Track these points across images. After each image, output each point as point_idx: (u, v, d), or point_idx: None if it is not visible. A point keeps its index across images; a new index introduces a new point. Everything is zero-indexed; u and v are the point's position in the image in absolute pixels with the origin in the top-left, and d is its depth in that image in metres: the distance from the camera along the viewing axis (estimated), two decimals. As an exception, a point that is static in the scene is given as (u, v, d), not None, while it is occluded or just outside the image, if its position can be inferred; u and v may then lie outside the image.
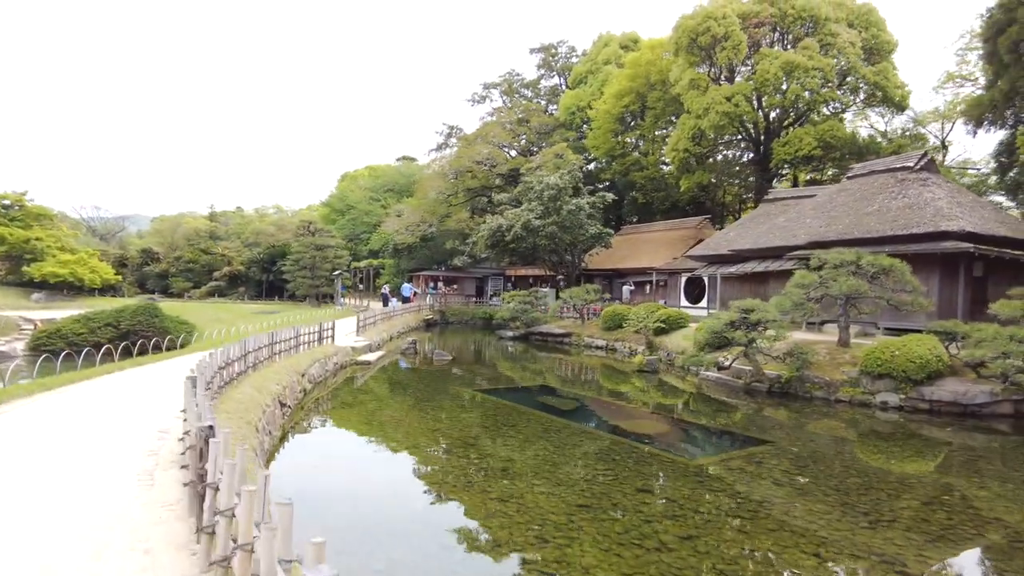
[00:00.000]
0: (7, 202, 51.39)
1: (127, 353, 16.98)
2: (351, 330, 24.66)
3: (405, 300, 40.61)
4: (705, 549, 6.61)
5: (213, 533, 3.64)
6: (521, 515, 7.33)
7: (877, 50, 34.19)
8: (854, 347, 16.97)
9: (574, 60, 56.18)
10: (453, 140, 55.36)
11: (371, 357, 21.00)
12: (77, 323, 25.32)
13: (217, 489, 3.60)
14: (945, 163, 37.99)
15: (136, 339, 23.84)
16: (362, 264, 55.40)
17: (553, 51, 57.44)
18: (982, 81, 34.95)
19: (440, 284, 49.29)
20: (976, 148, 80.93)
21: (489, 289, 51.94)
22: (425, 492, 8.42)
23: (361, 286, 52.62)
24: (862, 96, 36.43)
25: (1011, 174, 29.06)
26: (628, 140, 46.57)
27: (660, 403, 16.37)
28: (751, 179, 42.71)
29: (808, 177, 40.57)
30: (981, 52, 29.89)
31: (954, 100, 38.09)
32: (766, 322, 16.40)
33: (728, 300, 27.50)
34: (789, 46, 34.58)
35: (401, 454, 10.50)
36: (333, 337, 20.45)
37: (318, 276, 44.31)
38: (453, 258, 45.31)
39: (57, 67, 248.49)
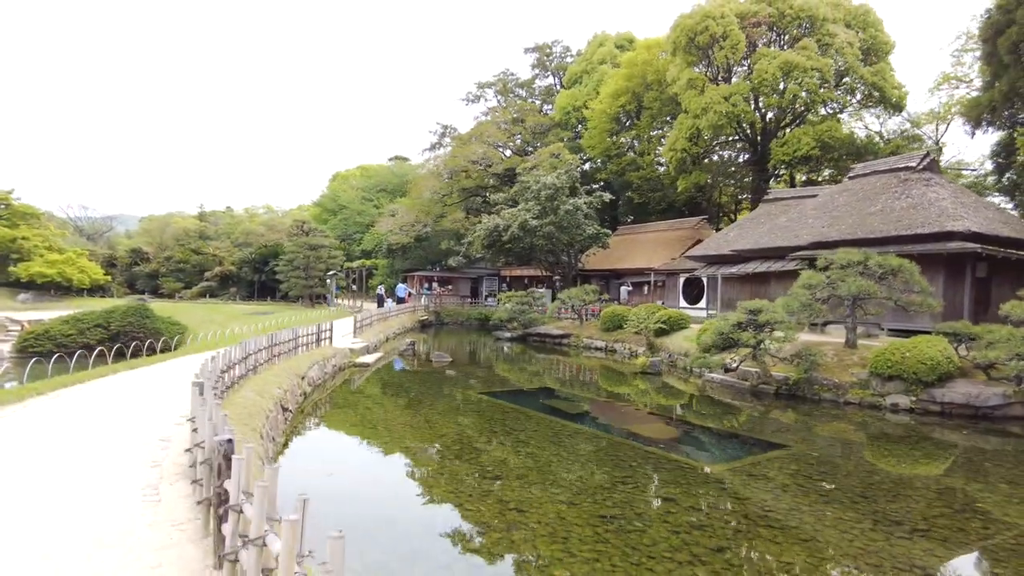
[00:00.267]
0: (-7, 200, 50.49)
1: (120, 355, 16.49)
2: (348, 331, 24.23)
3: (400, 301, 40.17)
4: (739, 562, 6.32)
5: (236, 561, 3.28)
6: (543, 527, 7.00)
7: (875, 51, 34.17)
8: (861, 348, 16.78)
9: (569, 60, 55.92)
10: (447, 140, 54.93)
11: (369, 359, 20.59)
12: (66, 324, 24.76)
13: (241, 512, 3.24)
14: (941, 164, 38.03)
15: (127, 340, 23.32)
16: (355, 264, 54.85)
17: (548, 51, 57.13)
18: (977, 83, 35.05)
19: (435, 285, 48.89)
20: (969, 150, 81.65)
21: (484, 290, 51.59)
22: (441, 504, 8.02)
23: (354, 287, 52.08)
24: (859, 97, 36.41)
25: (1008, 175, 29.09)
26: (624, 140, 46.36)
27: (668, 406, 16.09)
28: (747, 180, 42.63)
29: (804, 178, 40.52)
30: (979, 53, 29.92)
31: (948, 102, 38.18)
32: (774, 323, 16.17)
33: (728, 301, 27.37)
34: (786, 46, 34.49)
35: (410, 462, 10.11)
36: (331, 339, 20.03)
37: (312, 276, 43.75)
38: (448, 258, 44.90)
39: (42, 64, 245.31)
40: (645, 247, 38.59)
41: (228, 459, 3.65)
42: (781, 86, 33.47)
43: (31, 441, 7.17)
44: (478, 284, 52.23)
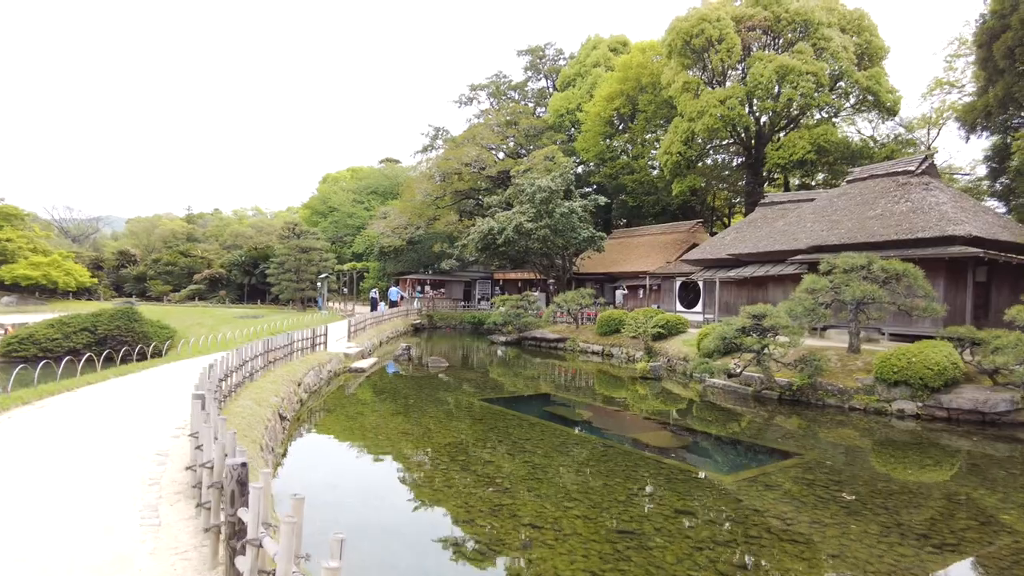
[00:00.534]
0: (-25, 202, 49.55)
1: (108, 361, 16.01)
2: (342, 336, 23.81)
3: (393, 304, 39.74)
4: (768, 581, 6.04)
5: (255, 600, 2.95)
6: (561, 544, 6.69)
7: (869, 55, 34.25)
8: (864, 353, 16.63)
9: (561, 63, 55.80)
10: (439, 142, 54.59)
11: (364, 364, 20.19)
12: (51, 328, 24.17)
13: (260, 546, 2.91)
14: (933, 168, 38.18)
15: (115, 345, 22.77)
16: (345, 268, 54.34)
17: (540, 53, 56.97)
18: (969, 88, 35.24)
19: (427, 288, 48.47)
20: (960, 155, 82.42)
21: (477, 293, 51.26)
22: (452, 520, 7.59)
23: (345, 290, 51.55)
24: (852, 101, 36.49)
25: (1003, 179, 29.20)
26: (617, 144, 46.24)
27: (672, 412, 15.83)
28: (741, 183, 42.62)
29: (798, 182, 40.57)
30: (973, 58, 30.07)
31: (941, 107, 38.38)
32: (779, 328, 15.97)
33: (726, 305, 27.23)
34: (781, 50, 34.48)
35: (415, 475, 9.74)
36: (326, 344, 19.62)
37: (303, 279, 43.20)
38: (441, 261, 44.52)
39: (27, 63, 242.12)
40: (640, 250, 38.42)
41: (242, 485, 3.32)
42: (776, 90, 33.47)
43: (17, 455, 6.76)
44: (471, 287, 51.88)
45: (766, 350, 16.15)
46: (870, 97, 34.28)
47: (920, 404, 14.19)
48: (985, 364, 14.33)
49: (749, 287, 26.05)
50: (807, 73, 31.32)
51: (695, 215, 43.08)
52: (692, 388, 18.57)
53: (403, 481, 9.35)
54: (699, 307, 30.59)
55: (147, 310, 30.30)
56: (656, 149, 44.79)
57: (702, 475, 9.76)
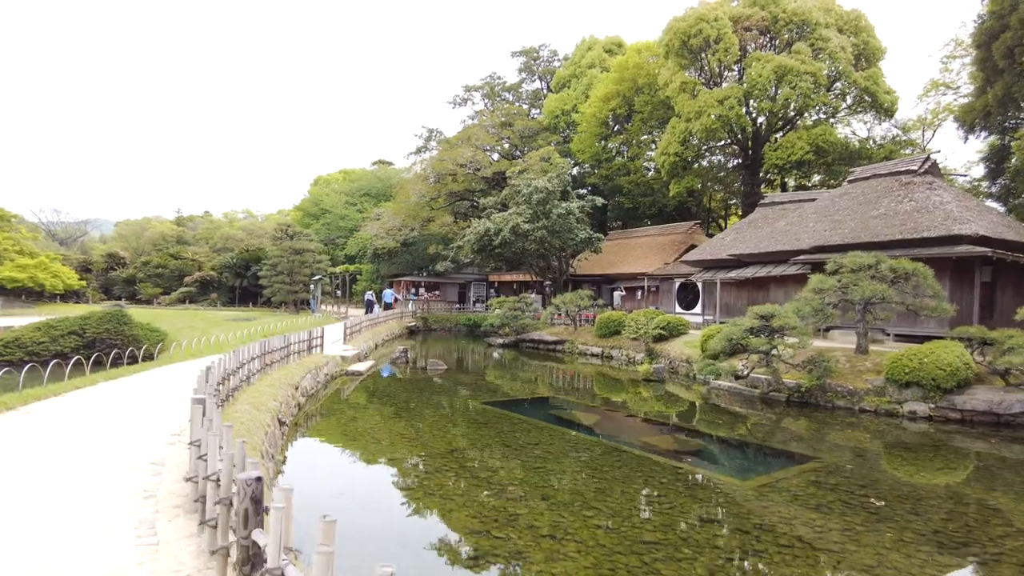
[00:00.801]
0: (-41, 203, 48.63)
1: (98, 365, 15.47)
2: (337, 338, 23.33)
3: (387, 307, 39.24)
4: (808, 595, 5.67)
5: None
6: (586, 558, 6.29)
7: (866, 56, 34.21)
8: (872, 354, 16.37)
9: (556, 64, 55.55)
10: (433, 143, 54.15)
11: (362, 367, 19.72)
12: (37, 331, 23.56)
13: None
14: (929, 169, 38.15)
15: (104, 348, 22.17)
16: (338, 270, 53.70)
17: (535, 54, 56.71)
18: (964, 89, 35.29)
19: (421, 290, 47.99)
20: (955, 156, 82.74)
21: (472, 295, 50.83)
22: (468, 532, 7.05)
23: (338, 292, 50.94)
24: (849, 101, 36.43)
25: (1002, 180, 29.16)
26: (613, 145, 46.00)
27: (680, 415, 15.49)
28: (737, 184, 42.49)
29: (794, 183, 40.46)
30: (972, 58, 30.05)
31: (936, 108, 38.42)
32: (787, 328, 15.68)
33: (726, 306, 26.97)
34: (777, 51, 34.36)
35: (423, 483, 9.27)
36: (322, 346, 19.15)
37: (297, 282, 42.56)
38: (435, 263, 44.06)
39: (12, 64, 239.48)
40: (637, 252, 38.15)
41: (257, 502, 2.91)
42: (774, 90, 33.34)
43: (1, 466, 6.28)
44: (466, 290, 51.45)
45: (775, 351, 15.85)
46: (867, 98, 34.22)
47: (932, 406, 13.92)
48: (997, 365, 14.08)
49: (750, 288, 25.80)
50: (806, 73, 31.21)
51: (691, 216, 42.90)
52: (696, 390, 18.25)
53: (411, 490, 8.90)
54: (698, 308, 30.34)
55: (137, 313, 29.63)
56: (652, 151, 44.63)
57: (720, 480, 9.40)
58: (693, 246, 33.69)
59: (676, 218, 42.88)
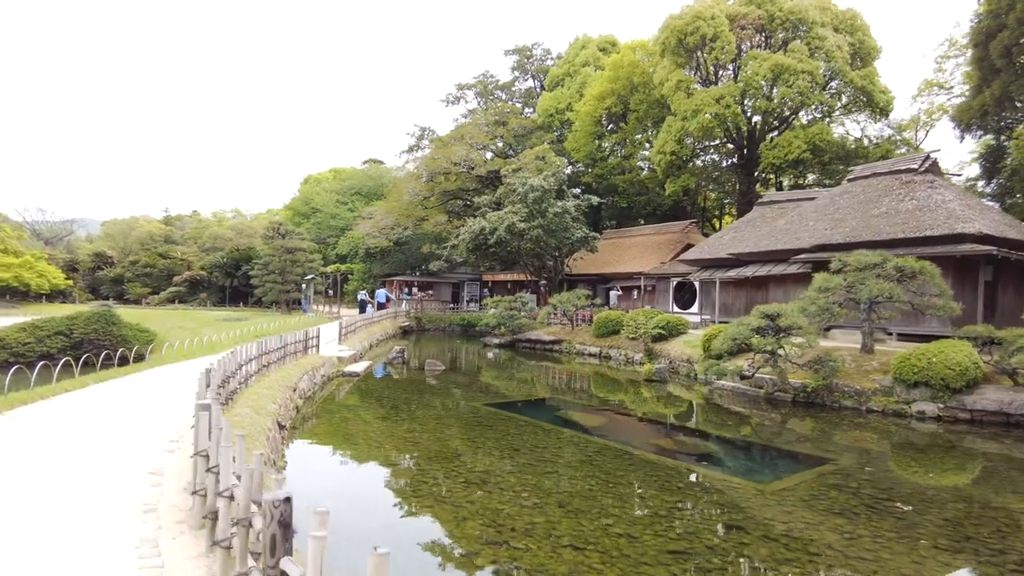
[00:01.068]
0: (-58, 201, 47.71)
1: (87, 366, 14.96)
2: (331, 338, 22.90)
3: (380, 306, 38.79)
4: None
5: None
6: (610, 569, 5.96)
7: (862, 55, 34.16)
8: (878, 354, 16.20)
9: (549, 63, 55.26)
10: (425, 142, 53.71)
11: (358, 368, 19.31)
12: (22, 332, 22.95)
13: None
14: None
15: (92, 349, 21.59)
16: (329, 269, 53.12)
17: (528, 53, 56.38)
18: (958, 90, 35.37)
19: (414, 289, 47.55)
20: (948, 156, 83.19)
21: (465, 295, 50.45)
22: (485, 543, 6.59)
23: (330, 292, 50.38)
24: (845, 100, 36.40)
25: (998, 179, 29.19)
26: (608, 144, 45.77)
27: (687, 416, 15.23)
28: (731, 184, 42.39)
29: (790, 182, 40.41)
30: (967, 58, 30.09)
31: (929, 108, 38.52)
32: (793, 328, 15.46)
33: (724, 306, 26.78)
34: (773, 49, 34.26)
35: (432, 490, 8.85)
36: (318, 346, 18.73)
37: (288, 281, 41.98)
38: (429, 262, 43.64)
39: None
40: (633, 251, 37.91)
41: (286, 527, 2.56)
42: (770, 89, 33.23)
43: (-13, 476, 5.87)
44: (459, 289, 51.05)
45: (781, 351, 15.63)
46: (863, 97, 34.19)
47: (941, 406, 13.75)
48: (1006, 364, 13.93)
49: (748, 287, 25.62)
50: (802, 72, 31.11)
51: (686, 216, 42.72)
52: (698, 391, 18.00)
53: (422, 497, 8.50)
54: (695, 308, 30.14)
55: (126, 313, 29.00)
56: (647, 150, 44.46)
57: (738, 484, 9.11)
58: (689, 245, 33.50)
59: (671, 217, 42.69)
